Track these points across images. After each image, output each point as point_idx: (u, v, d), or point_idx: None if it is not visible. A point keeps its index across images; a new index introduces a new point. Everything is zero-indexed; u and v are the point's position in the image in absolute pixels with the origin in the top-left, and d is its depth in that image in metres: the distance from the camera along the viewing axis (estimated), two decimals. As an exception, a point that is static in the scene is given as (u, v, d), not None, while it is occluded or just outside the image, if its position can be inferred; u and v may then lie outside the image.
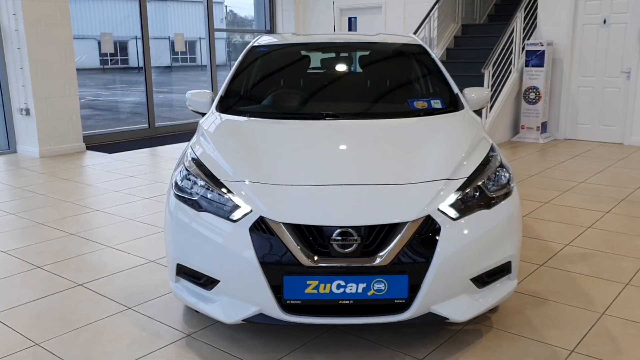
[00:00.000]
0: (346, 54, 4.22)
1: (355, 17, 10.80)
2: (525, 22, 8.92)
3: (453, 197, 2.66)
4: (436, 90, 3.73)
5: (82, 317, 3.23)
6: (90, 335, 3.03)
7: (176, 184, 2.93)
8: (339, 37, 4.32)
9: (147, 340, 2.96)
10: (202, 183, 2.81)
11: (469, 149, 2.96)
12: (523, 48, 8.73)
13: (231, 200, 2.69)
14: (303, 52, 4.05)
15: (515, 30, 8.65)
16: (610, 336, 2.95)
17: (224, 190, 2.73)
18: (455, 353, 2.81)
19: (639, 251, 4.12)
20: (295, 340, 2.93)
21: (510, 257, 2.79)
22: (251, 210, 2.62)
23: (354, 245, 2.52)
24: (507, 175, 2.90)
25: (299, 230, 2.55)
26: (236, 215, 2.65)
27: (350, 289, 2.53)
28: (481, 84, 7.94)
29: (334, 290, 2.53)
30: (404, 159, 2.89)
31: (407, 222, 2.53)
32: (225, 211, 2.68)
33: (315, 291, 2.54)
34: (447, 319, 2.63)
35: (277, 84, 3.94)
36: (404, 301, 2.55)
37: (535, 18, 8.91)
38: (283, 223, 2.55)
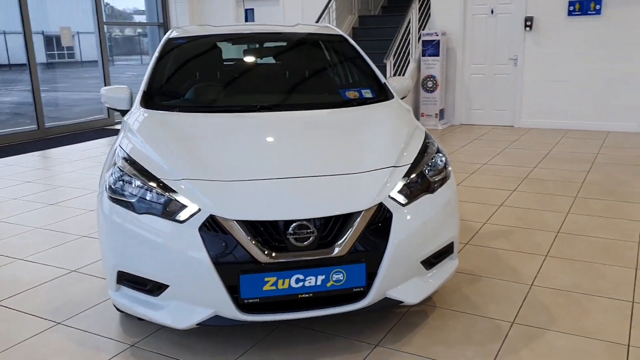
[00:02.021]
0: (269, 45, 4.15)
1: (252, 9, 10.69)
2: (421, 12, 9.25)
3: (400, 184, 2.71)
4: (364, 80, 3.77)
5: (4, 338, 2.95)
6: (21, 357, 2.78)
7: (110, 186, 2.75)
8: (258, 28, 4.24)
9: (87, 356, 2.77)
10: (139, 183, 2.66)
11: (407, 136, 3.03)
12: (419, 38, 9.06)
13: (175, 199, 2.56)
14: (225, 44, 3.93)
15: (411, 21, 8.95)
16: (542, 306, 3.15)
17: (164, 189, 2.60)
18: (407, 335, 2.87)
19: (550, 225, 4.43)
20: (248, 339, 2.86)
21: (452, 237, 2.89)
22: (199, 209, 2.51)
23: (311, 237, 2.49)
24: (443, 159, 2.99)
25: (252, 227, 2.48)
26: (182, 215, 2.53)
27: (309, 282, 2.50)
28: (383, 75, 8.14)
29: (293, 284, 2.50)
30: (348, 149, 2.90)
31: (362, 211, 2.54)
32: (168, 212, 2.55)
33: (273, 287, 2.49)
34: (402, 302, 2.69)
35: (201, 76, 3.80)
36: (362, 289, 2.57)
37: (429, 9, 9.27)
38: (236, 220, 2.47)
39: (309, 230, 2.48)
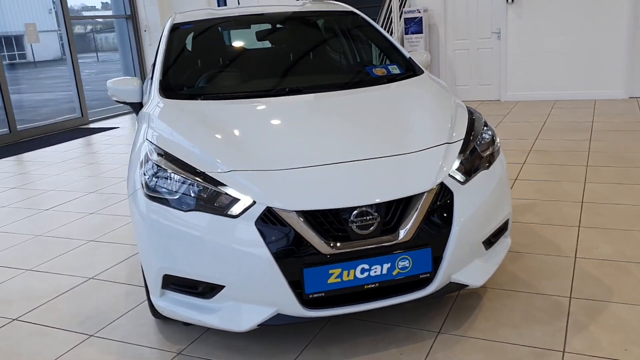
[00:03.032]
0: (283, 26, 3.94)
1: (225, -5, 10.36)
2: (400, -11, 9.12)
3: (457, 161, 2.56)
4: (387, 56, 3.60)
5: (36, 356, 2.72)
6: (60, 376, 2.56)
7: (146, 184, 2.53)
8: (265, 9, 4.01)
9: (134, 368, 2.56)
10: (182, 179, 2.44)
11: (452, 111, 2.89)
12: (401, 15, 8.92)
13: (225, 193, 2.36)
14: (236, 27, 3.71)
15: (392, -1, 8.80)
16: (594, 278, 3.07)
17: (212, 183, 2.40)
18: (467, 319, 2.75)
19: (572, 195, 4.37)
20: (303, 335, 2.70)
21: (508, 214, 2.77)
22: (254, 202, 2.32)
23: (374, 224, 2.33)
24: (491, 133, 2.86)
25: (312, 217, 2.31)
26: (235, 209, 2.33)
27: (375, 272, 2.35)
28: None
29: (358, 275, 2.33)
30: (396, 128, 2.74)
31: (425, 192, 2.39)
32: (219, 207, 2.36)
33: (338, 280, 2.32)
34: (467, 285, 2.55)
35: (218, 62, 3.57)
36: (428, 275, 2.42)
37: (408, -14, 9.13)
38: (296, 211, 2.29)
39: (371, 217, 2.32)
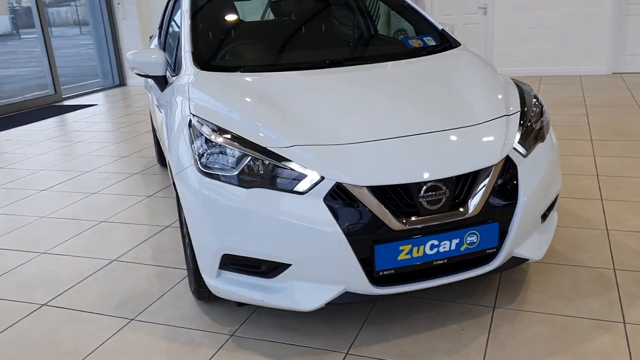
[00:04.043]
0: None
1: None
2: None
3: (518, 134, 2.53)
4: (419, 27, 3.52)
5: (79, 343, 2.59)
6: (111, 362, 2.44)
7: (201, 161, 2.41)
8: None
9: (189, 353, 2.46)
10: (241, 154, 2.33)
11: (502, 84, 2.84)
12: (387, -10, 8.81)
13: (290, 169, 2.27)
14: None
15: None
16: (632, 249, 3.10)
17: (275, 158, 2.30)
18: (518, 293, 2.74)
19: (585, 169, 4.41)
20: (356, 314, 2.64)
21: (560, 187, 2.76)
22: (322, 178, 2.23)
23: (443, 199, 2.28)
24: (541, 105, 2.83)
25: (381, 192, 2.24)
26: (303, 185, 2.24)
27: (444, 247, 2.30)
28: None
29: (428, 251, 2.29)
30: (454, 100, 2.67)
31: (493, 165, 2.35)
32: (285, 183, 2.26)
33: (408, 256, 2.27)
34: (527, 260, 2.54)
35: (250, 33, 3.43)
36: (494, 250, 2.39)
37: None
38: (367, 187, 2.21)
39: (441, 191, 2.27)
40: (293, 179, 2.26)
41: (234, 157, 2.34)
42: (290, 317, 2.65)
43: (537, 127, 2.67)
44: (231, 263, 2.39)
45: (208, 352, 2.46)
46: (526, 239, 2.51)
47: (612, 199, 3.80)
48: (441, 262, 2.32)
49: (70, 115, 8.28)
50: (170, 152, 2.71)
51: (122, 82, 10.85)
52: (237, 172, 2.32)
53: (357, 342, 2.46)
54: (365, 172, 2.24)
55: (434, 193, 2.26)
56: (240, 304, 2.59)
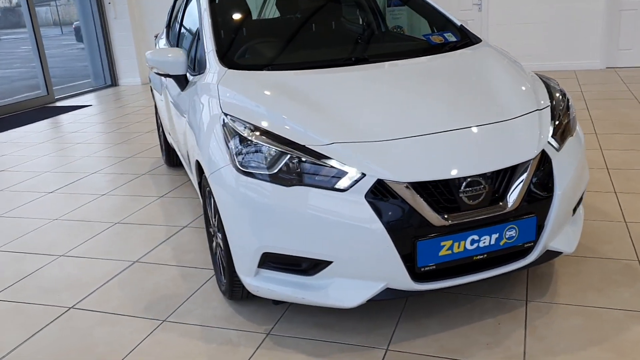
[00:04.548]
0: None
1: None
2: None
3: (551, 128, 2.55)
4: (438, 24, 3.54)
5: (114, 345, 2.57)
6: (150, 364, 2.42)
7: (238, 160, 2.39)
8: None
9: (227, 353, 2.45)
10: (279, 152, 2.32)
11: (529, 79, 2.87)
12: (382, -13, 8.83)
13: (331, 166, 2.27)
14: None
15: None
16: (653, 240, 3.15)
17: (315, 156, 2.29)
18: (548, 286, 2.77)
19: (594, 162, 4.46)
20: (390, 310, 2.65)
21: (587, 181, 2.79)
22: (363, 175, 2.24)
23: (483, 194, 2.29)
24: (567, 99, 2.86)
25: (422, 188, 2.24)
26: (343, 183, 2.24)
27: (484, 242, 2.32)
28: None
29: (468, 246, 2.30)
30: (486, 95, 2.69)
31: (531, 159, 2.37)
32: (326, 180, 2.26)
33: (449, 252, 2.28)
34: (561, 253, 2.56)
35: (270, 30, 3.42)
36: (532, 244, 2.41)
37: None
38: (408, 183, 2.22)
39: (481, 186, 2.28)
40: (333, 177, 2.26)
41: (272, 155, 2.33)
42: (325, 314, 2.65)
43: (566, 121, 2.69)
44: (270, 261, 2.38)
45: (247, 351, 2.45)
46: (559, 232, 2.54)
47: (625, 191, 3.85)
48: (481, 257, 2.33)
49: (65, 117, 8.18)
50: (200, 153, 2.69)
51: (114, 83, 10.75)
52: (276, 170, 2.31)
53: (396, 338, 2.46)
54: (407, 168, 2.24)
55: (474, 188, 2.27)
56: (277, 302, 2.59)
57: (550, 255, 2.53)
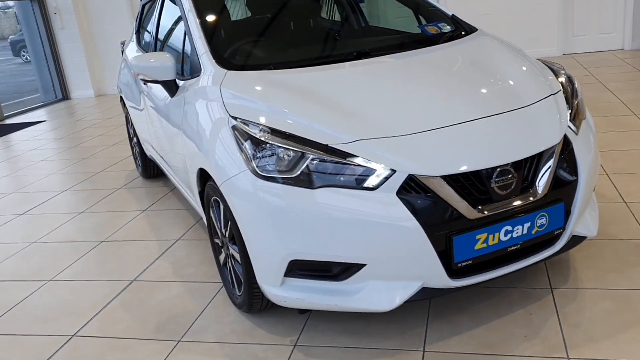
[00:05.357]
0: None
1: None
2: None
3: (568, 112, 2.52)
4: (428, 14, 3.48)
5: (130, 372, 2.39)
6: (175, 389, 2.26)
7: (257, 165, 2.26)
8: None
9: (257, 369, 2.32)
10: (300, 154, 2.20)
11: (535, 64, 2.84)
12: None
13: (358, 165, 2.16)
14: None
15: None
16: (657, 218, 3.18)
17: (339, 155, 2.18)
18: (568, 272, 2.74)
19: (578, 146, 4.50)
20: (416, 310, 2.57)
21: (600, 162, 2.78)
22: (393, 171, 2.14)
23: (514, 183, 2.23)
24: (574, 82, 2.84)
25: (454, 181, 2.17)
26: (372, 181, 2.14)
27: (517, 232, 2.26)
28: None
29: (502, 238, 2.24)
30: (499, 82, 2.63)
31: (555, 145, 2.33)
32: (353, 180, 2.15)
33: (484, 245, 2.21)
34: (586, 237, 2.54)
35: (260, 29, 3.26)
36: (561, 231, 2.37)
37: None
38: (440, 176, 2.14)
39: (511, 175, 2.22)
40: (360, 175, 2.16)
41: (292, 156, 2.21)
42: (349, 320, 2.54)
43: (577, 104, 2.67)
44: (298, 269, 2.26)
45: (277, 366, 2.32)
46: (582, 216, 2.51)
47: (616, 172, 3.89)
48: (514, 247, 2.28)
49: (18, 135, 7.77)
50: (206, 160, 2.54)
51: (66, 96, 10.31)
52: (298, 173, 2.19)
53: (430, 338, 2.38)
54: (438, 161, 2.16)
55: (504, 177, 2.21)
56: (303, 311, 2.47)
57: (575, 241, 2.50)
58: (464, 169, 2.16)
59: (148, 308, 2.86)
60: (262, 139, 2.28)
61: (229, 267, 2.71)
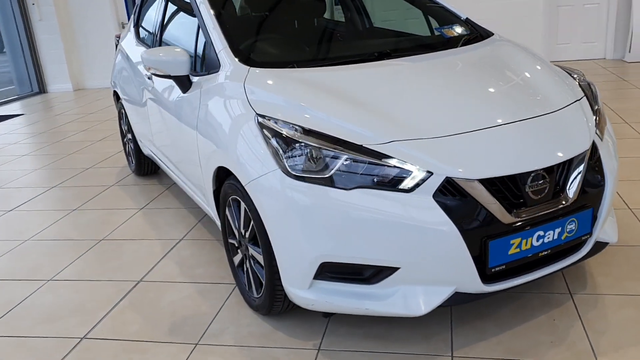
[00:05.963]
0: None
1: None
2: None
3: (594, 117, 2.53)
4: (443, 17, 3.46)
5: (149, 376, 2.31)
6: (199, 394, 2.19)
7: (288, 164, 2.20)
8: None
9: (282, 373, 2.26)
10: (334, 154, 2.15)
11: (556, 70, 2.84)
12: (329, -14, 8.74)
13: (394, 166, 2.12)
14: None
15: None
16: (664, 226, 3.22)
17: (374, 156, 2.14)
18: (585, 279, 2.75)
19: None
20: (438, 315, 2.54)
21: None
22: (430, 173, 2.11)
23: (547, 187, 2.23)
24: (593, 88, 2.85)
25: (490, 185, 2.15)
26: (408, 183, 2.11)
27: (548, 238, 2.25)
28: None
29: (534, 243, 2.23)
30: (527, 87, 2.63)
31: (586, 150, 2.33)
32: (387, 181, 2.12)
33: (518, 250, 2.20)
34: (608, 243, 2.55)
35: (277, 25, 3.19)
36: (587, 236, 2.38)
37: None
38: (478, 180, 2.11)
39: (545, 180, 2.22)
40: (395, 177, 2.12)
41: (325, 156, 2.16)
42: (371, 324, 2.50)
43: (598, 110, 2.69)
44: (328, 271, 2.21)
45: (305, 371, 2.27)
46: (605, 221, 2.52)
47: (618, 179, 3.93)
48: (545, 252, 2.27)
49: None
50: (227, 159, 2.48)
51: (42, 90, 10.05)
52: (332, 173, 2.14)
53: (456, 344, 2.36)
54: (476, 164, 2.14)
55: (538, 182, 2.20)
56: (327, 315, 2.41)
57: (599, 247, 2.51)
58: (502, 172, 2.14)
59: (159, 309, 2.78)
60: (293, 137, 2.22)
61: (246, 269, 2.64)
